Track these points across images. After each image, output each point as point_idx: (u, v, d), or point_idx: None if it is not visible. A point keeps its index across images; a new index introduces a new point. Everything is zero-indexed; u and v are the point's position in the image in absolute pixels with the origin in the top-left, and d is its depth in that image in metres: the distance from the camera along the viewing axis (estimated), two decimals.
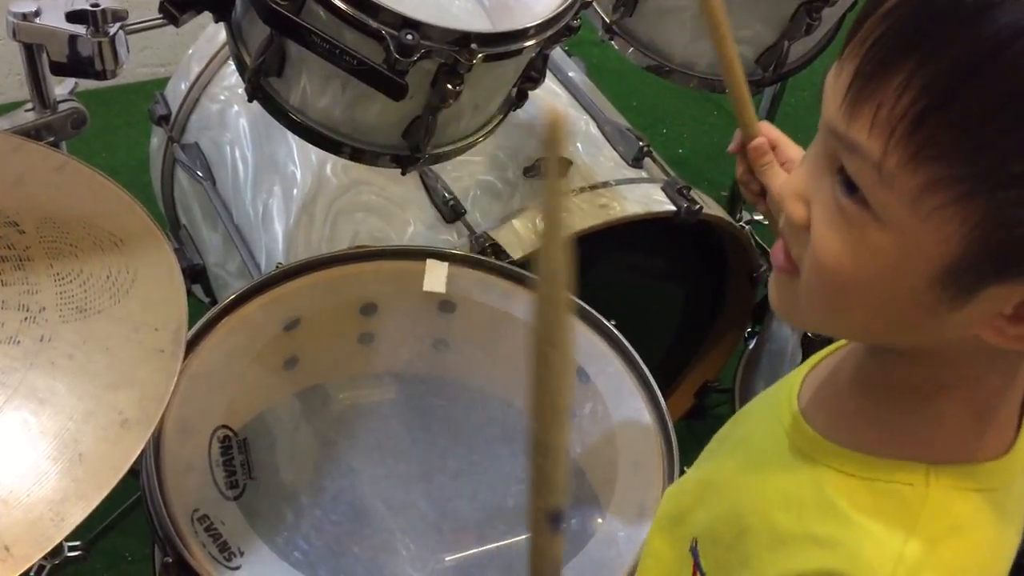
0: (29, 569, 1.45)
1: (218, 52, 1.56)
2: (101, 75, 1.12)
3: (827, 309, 0.59)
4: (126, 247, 0.76)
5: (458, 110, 1.16)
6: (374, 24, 1.02)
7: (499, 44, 1.08)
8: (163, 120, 1.60)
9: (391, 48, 1.03)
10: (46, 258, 0.73)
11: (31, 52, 1.12)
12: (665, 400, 1.14)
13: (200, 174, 1.54)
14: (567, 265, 0.49)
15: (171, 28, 1.51)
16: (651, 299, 1.66)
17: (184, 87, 1.56)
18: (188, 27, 1.63)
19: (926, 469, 0.59)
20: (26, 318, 0.69)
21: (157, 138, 1.65)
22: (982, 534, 0.59)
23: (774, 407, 0.71)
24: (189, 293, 1.42)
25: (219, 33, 1.56)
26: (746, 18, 1.35)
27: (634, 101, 2.49)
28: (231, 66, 1.55)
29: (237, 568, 0.90)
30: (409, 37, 1.02)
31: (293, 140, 1.47)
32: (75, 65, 1.11)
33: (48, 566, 1.48)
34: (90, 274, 0.73)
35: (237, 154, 1.52)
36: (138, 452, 0.66)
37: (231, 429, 1.01)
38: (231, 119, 1.54)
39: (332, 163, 1.43)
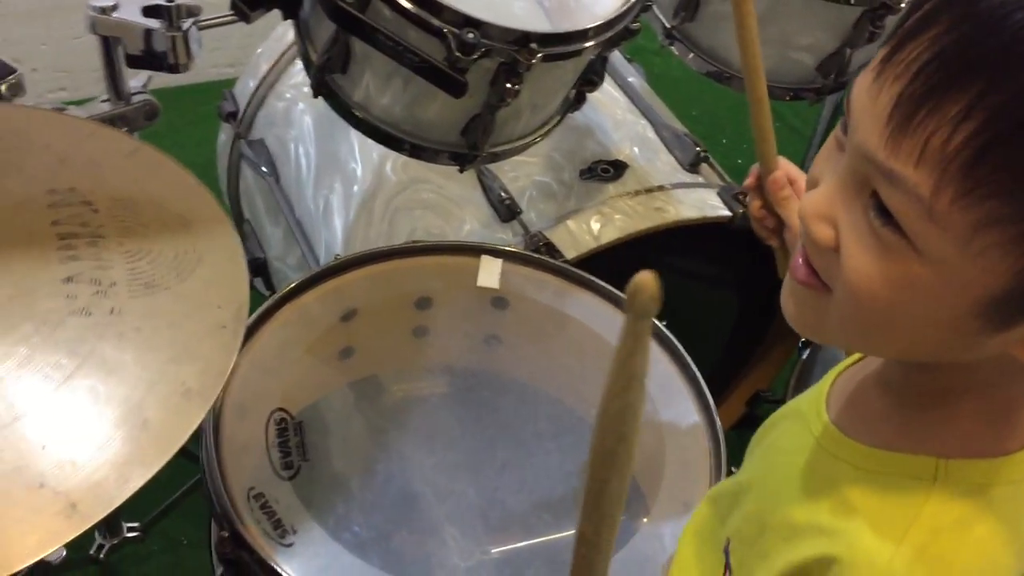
0: (90, 546, 1.50)
1: (286, 51, 1.60)
2: (174, 68, 1.16)
3: (861, 332, 0.58)
4: (193, 229, 0.80)
5: (517, 109, 1.18)
6: (436, 22, 1.05)
7: (558, 44, 1.10)
8: (231, 116, 1.64)
9: (452, 46, 1.05)
10: (117, 236, 0.77)
11: (108, 45, 1.16)
12: (717, 408, 1.14)
13: (265, 169, 1.58)
14: (640, 410, 0.50)
15: (241, 29, 1.56)
16: (705, 306, 1.66)
17: (252, 85, 1.61)
18: (258, 28, 1.68)
19: (936, 463, 0.59)
20: (97, 291, 0.72)
21: (225, 134, 1.70)
22: (983, 533, 0.59)
23: (804, 410, 0.72)
24: (251, 286, 1.46)
25: (287, 33, 1.61)
26: (807, 26, 1.36)
27: (694, 111, 2.49)
28: (298, 65, 1.59)
29: (290, 545, 0.93)
30: (471, 36, 1.04)
31: (355, 138, 1.51)
32: (149, 58, 1.16)
33: (107, 545, 1.53)
34: (158, 253, 0.77)
35: (301, 151, 1.56)
36: (199, 421, 0.69)
37: (287, 412, 1.04)
38: (296, 116, 1.58)
39: (392, 161, 1.46)
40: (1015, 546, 0.59)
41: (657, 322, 1.21)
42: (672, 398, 1.16)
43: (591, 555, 0.54)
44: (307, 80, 1.55)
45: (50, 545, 0.60)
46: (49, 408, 0.67)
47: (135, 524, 1.54)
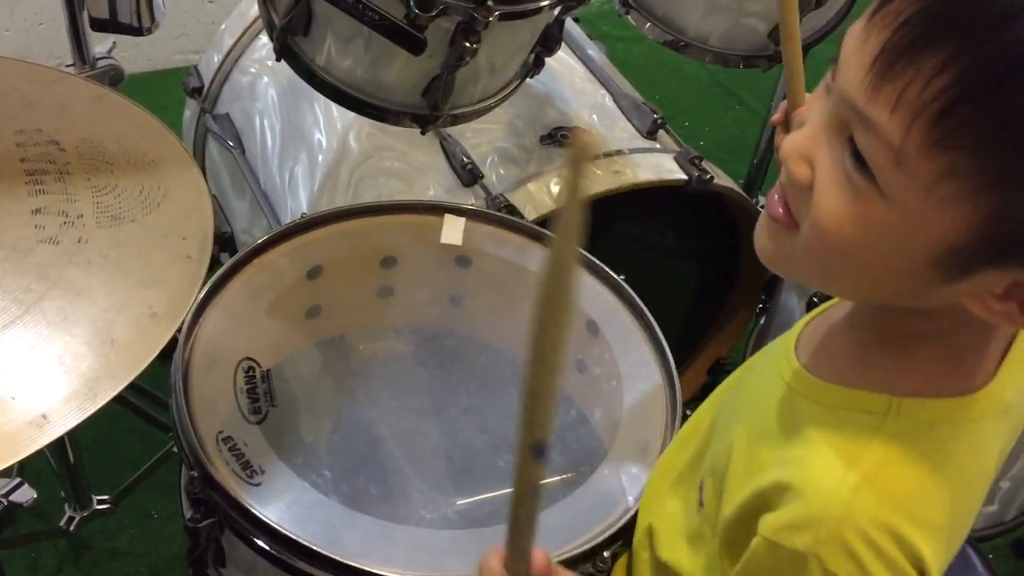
0: (59, 518, 1.50)
1: (250, 26, 1.62)
2: (138, 31, 1.18)
3: (822, 269, 0.62)
4: (158, 167, 0.82)
5: (475, 70, 1.21)
6: None
7: (515, 3, 1.13)
8: (196, 92, 1.66)
9: (411, 4, 1.08)
10: (84, 172, 0.79)
11: (72, 9, 1.18)
12: (679, 377, 1.17)
13: (230, 143, 1.60)
14: (580, 233, 0.51)
15: (205, 14, 1.56)
16: (665, 274, 1.70)
17: (217, 59, 1.63)
18: (221, 13, 1.71)
19: (890, 400, 0.63)
20: (65, 222, 0.75)
21: (190, 110, 1.71)
22: (938, 463, 0.62)
23: (775, 353, 0.75)
24: (217, 260, 1.48)
25: (251, 8, 1.63)
26: None
27: (656, 95, 2.53)
28: (262, 39, 1.61)
29: (258, 485, 0.95)
30: None
31: (320, 109, 1.53)
32: (114, 22, 1.18)
33: (77, 517, 1.54)
34: (124, 188, 0.79)
35: (266, 123, 1.58)
36: (166, 340, 0.71)
37: (256, 361, 1.06)
38: (261, 90, 1.60)
39: (356, 130, 1.49)
40: (953, 480, 0.63)
41: (617, 277, 1.24)
42: (630, 350, 1.19)
43: (533, 399, 0.56)
44: (271, 54, 1.57)
45: (22, 451, 0.62)
46: (21, 328, 0.69)
47: (105, 497, 1.55)
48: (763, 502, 0.65)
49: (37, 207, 0.75)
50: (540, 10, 1.15)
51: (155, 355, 0.71)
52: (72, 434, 1.33)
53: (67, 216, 0.75)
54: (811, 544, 0.60)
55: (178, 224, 0.78)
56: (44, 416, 0.64)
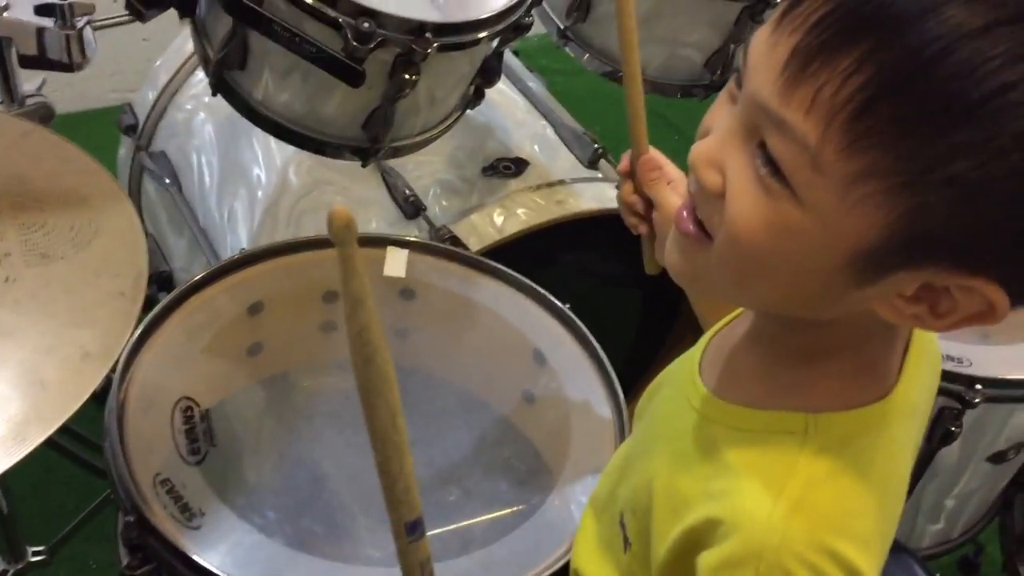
0: None
1: (185, 62, 1.60)
2: (68, 67, 1.16)
3: (736, 279, 0.60)
4: (89, 203, 0.80)
5: (415, 102, 1.21)
6: (332, 13, 1.07)
7: (453, 34, 1.13)
8: (131, 129, 1.63)
9: (349, 36, 1.07)
10: (11, 210, 0.76)
11: (0, 46, 1.16)
12: (627, 404, 1.16)
13: (167, 180, 1.57)
14: (377, 327, 0.56)
15: (140, 52, 1.54)
16: (610, 303, 1.70)
17: (152, 96, 1.61)
18: (156, 52, 1.69)
19: (805, 418, 0.62)
20: None
21: (125, 148, 1.69)
22: (855, 479, 0.61)
23: (678, 377, 0.74)
24: (155, 299, 1.45)
25: (186, 45, 1.61)
26: (693, 22, 1.42)
27: (596, 126, 2.55)
28: (198, 75, 1.59)
29: (197, 528, 0.92)
30: (366, 25, 1.07)
31: (258, 144, 1.51)
32: (43, 58, 1.15)
33: (11, 570, 1.48)
34: (54, 225, 0.77)
35: (203, 160, 1.56)
36: (97, 382, 0.69)
37: (193, 400, 1.03)
38: (197, 126, 1.58)
39: (296, 165, 1.47)
40: (877, 488, 0.62)
41: (563, 306, 1.23)
42: (578, 379, 1.19)
43: (389, 484, 0.60)
44: (207, 90, 1.55)
45: None
46: None
47: (40, 548, 1.50)
48: (696, 540, 0.63)
49: None
50: (478, 42, 1.16)
51: (87, 397, 0.68)
52: (5, 484, 1.30)
53: None
54: None
55: (111, 261, 0.76)
56: None
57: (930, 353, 0.69)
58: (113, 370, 1.00)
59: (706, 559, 0.62)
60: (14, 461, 0.64)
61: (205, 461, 0.99)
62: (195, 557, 0.88)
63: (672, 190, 0.88)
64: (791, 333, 0.65)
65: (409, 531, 0.60)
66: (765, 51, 0.54)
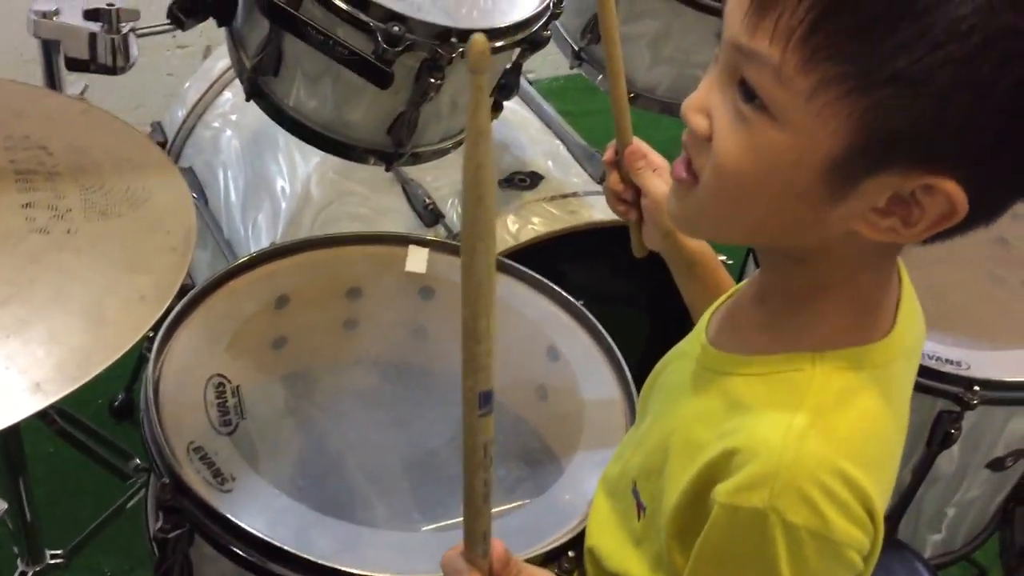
0: (11, 573, 1.47)
1: (214, 83, 1.67)
2: (112, 70, 1.22)
3: (723, 210, 0.67)
4: (141, 170, 0.86)
5: (438, 108, 1.27)
6: (364, 17, 1.14)
7: None
8: (160, 147, 1.70)
9: (379, 39, 1.14)
10: (72, 173, 0.82)
11: (48, 49, 1.22)
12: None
13: (194, 195, 1.63)
14: (493, 168, 0.55)
15: (164, 86, 1.56)
16: (619, 323, 1.74)
17: (181, 115, 1.68)
18: (180, 84, 1.75)
19: (811, 356, 0.67)
20: (55, 215, 0.78)
21: None
22: (865, 405, 0.66)
23: (688, 346, 0.79)
24: None
25: (216, 65, 1.69)
26: (700, 43, 1.49)
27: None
28: (225, 95, 1.66)
29: (229, 491, 0.96)
30: (396, 29, 1.14)
31: (282, 158, 1.58)
32: (90, 61, 1.22)
33: (30, 572, 1.51)
34: (111, 187, 0.83)
35: (229, 174, 1.62)
36: (153, 320, 0.74)
37: (225, 377, 1.08)
38: (224, 143, 1.65)
39: (318, 176, 1.54)
40: (885, 418, 0.67)
41: (576, 302, 1.28)
42: (591, 372, 1.23)
43: (473, 345, 0.59)
44: (235, 109, 1.63)
45: (16, 415, 0.64)
46: (14, 306, 0.71)
47: (58, 551, 1.53)
48: (712, 475, 0.67)
49: (27, 202, 0.78)
50: (500, 49, 1.22)
51: (143, 334, 0.73)
52: (28, 493, 1.33)
53: (56, 210, 0.78)
54: (768, 499, 0.62)
55: (162, 220, 0.82)
56: (37, 385, 0.66)
57: (916, 312, 0.74)
58: (148, 348, 1.05)
59: (722, 488, 0.65)
60: (79, 384, 0.68)
61: (236, 432, 1.03)
62: (229, 515, 0.92)
63: (658, 176, 0.95)
64: (787, 277, 0.70)
65: (481, 403, 0.59)
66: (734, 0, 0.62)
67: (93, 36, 1.20)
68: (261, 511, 0.95)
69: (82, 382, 0.68)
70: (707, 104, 0.65)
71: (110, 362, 0.71)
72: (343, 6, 1.14)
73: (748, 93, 0.61)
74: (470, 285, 0.57)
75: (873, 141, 0.59)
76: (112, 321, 0.72)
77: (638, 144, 0.97)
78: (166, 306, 0.76)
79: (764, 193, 0.63)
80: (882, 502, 0.66)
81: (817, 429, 0.64)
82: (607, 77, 0.99)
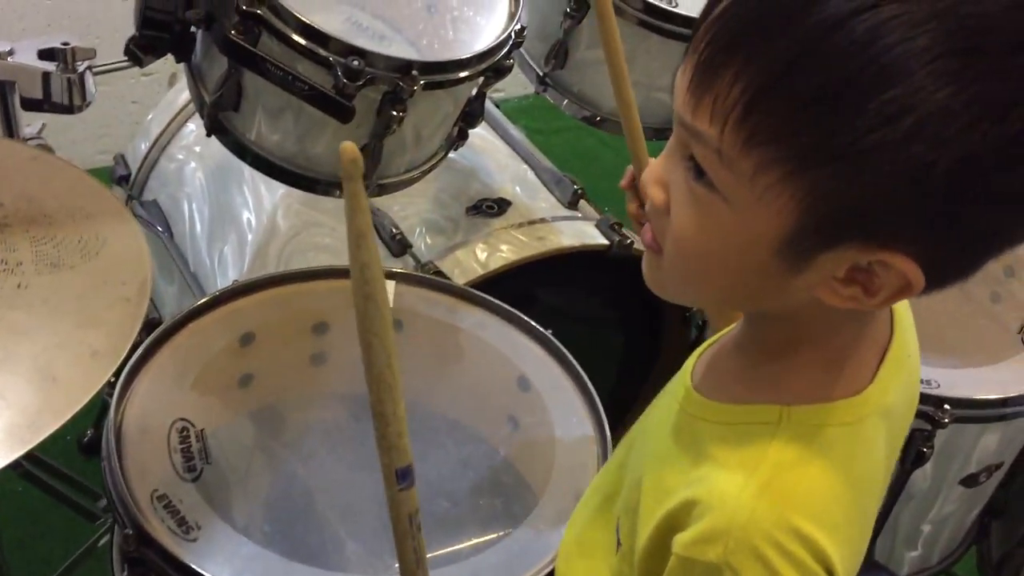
0: None
1: (176, 115, 1.66)
2: (69, 109, 1.21)
3: (686, 280, 0.67)
4: (95, 219, 0.84)
5: (402, 140, 1.26)
6: (323, 52, 1.13)
7: (438, 72, 1.19)
8: (123, 180, 1.68)
9: (339, 74, 1.13)
10: (23, 224, 0.80)
11: (3, 90, 1.20)
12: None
13: (159, 228, 1.61)
14: (378, 265, 0.58)
15: (129, 115, 1.55)
16: (591, 345, 1.73)
17: (144, 147, 1.66)
18: (145, 113, 1.74)
19: (779, 409, 0.66)
20: (4, 269, 0.76)
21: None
22: (831, 462, 0.65)
23: (673, 386, 0.79)
24: None
25: (178, 97, 1.67)
26: (667, 66, 1.49)
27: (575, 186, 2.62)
28: (189, 127, 1.65)
29: (194, 540, 0.94)
30: (355, 63, 1.13)
31: (248, 190, 1.56)
32: (46, 101, 1.20)
33: None
34: (63, 238, 0.81)
35: (194, 207, 1.61)
36: (106, 378, 0.72)
37: (189, 421, 1.06)
38: (188, 175, 1.63)
39: (284, 208, 1.52)
40: (847, 479, 0.66)
41: (546, 332, 1.27)
42: (562, 404, 1.22)
43: (382, 427, 0.61)
44: (198, 140, 1.62)
45: None
46: None
47: None
48: (674, 523, 0.66)
49: None
50: (461, 80, 1.22)
51: (96, 391, 0.72)
52: None
53: (6, 264, 0.77)
54: (723, 554, 0.62)
55: (116, 270, 0.80)
56: None
57: (908, 368, 0.73)
58: (110, 393, 1.03)
59: (680, 538, 0.65)
60: (27, 448, 0.67)
61: (201, 478, 1.01)
62: (194, 566, 0.90)
63: None
64: (763, 331, 0.70)
65: (400, 478, 0.62)
66: (680, 76, 0.62)
67: (47, 76, 1.18)
68: (228, 560, 0.93)
69: (32, 444, 0.66)
70: (664, 177, 0.65)
71: (61, 423, 0.69)
72: (301, 41, 1.13)
73: (698, 170, 0.61)
74: (371, 376, 0.61)
75: (821, 220, 0.58)
76: (63, 379, 0.71)
77: None
78: (120, 360, 0.74)
79: (723, 267, 0.64)
80: (845, 565, 0.65)
81: (771, 489, 0.64)
82: (619, 105, 0.99)
